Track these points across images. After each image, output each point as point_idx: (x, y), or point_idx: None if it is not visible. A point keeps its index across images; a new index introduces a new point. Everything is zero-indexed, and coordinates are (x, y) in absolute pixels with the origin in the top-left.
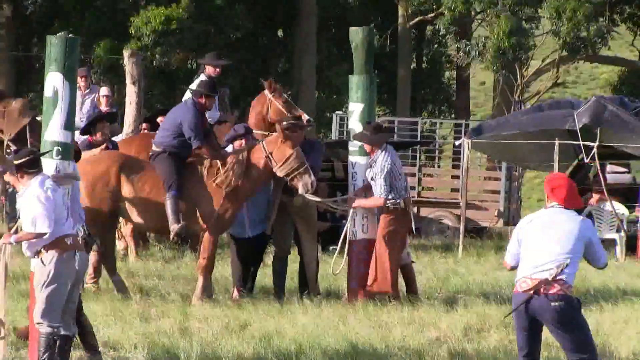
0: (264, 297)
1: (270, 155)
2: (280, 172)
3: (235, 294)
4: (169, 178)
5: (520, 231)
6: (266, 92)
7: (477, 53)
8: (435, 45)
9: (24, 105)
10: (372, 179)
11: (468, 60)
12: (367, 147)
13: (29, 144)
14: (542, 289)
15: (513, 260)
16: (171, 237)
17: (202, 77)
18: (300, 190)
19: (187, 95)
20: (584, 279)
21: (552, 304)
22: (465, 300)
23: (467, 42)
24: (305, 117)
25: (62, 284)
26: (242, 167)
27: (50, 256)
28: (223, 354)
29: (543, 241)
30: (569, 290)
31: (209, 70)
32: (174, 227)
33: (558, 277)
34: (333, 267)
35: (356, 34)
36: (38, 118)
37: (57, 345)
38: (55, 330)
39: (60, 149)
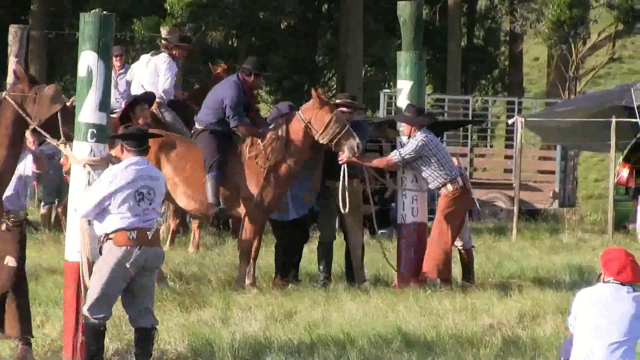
0: (310, 285)
1: (309, 124)
2: (322, 139)
3: (278, 279)
4: (210, 158)
5: (576, 306)
6: None
7: (536, 19)
8: (489, 20)
9: (56, 92)
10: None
11: (526, 26)
12: (406, 129)
13: (61, 134)
14: None
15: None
16: (210, 221)
17: (164, 55)
18: (347, 154)
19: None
20: None
21: None
22: (519, 285)
23: (522, 5)
24: None
25: (111, 277)
26: (283, 141)
27: (107, 247)
28: (267, 343)
29: (598, 324)
30: None
31: (178, 52)
32: (212, 211)
33: None
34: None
35: (404, 8)
36: (68, 103)
37: (137, 338)
38: (100, 322)
39: (94, 131)
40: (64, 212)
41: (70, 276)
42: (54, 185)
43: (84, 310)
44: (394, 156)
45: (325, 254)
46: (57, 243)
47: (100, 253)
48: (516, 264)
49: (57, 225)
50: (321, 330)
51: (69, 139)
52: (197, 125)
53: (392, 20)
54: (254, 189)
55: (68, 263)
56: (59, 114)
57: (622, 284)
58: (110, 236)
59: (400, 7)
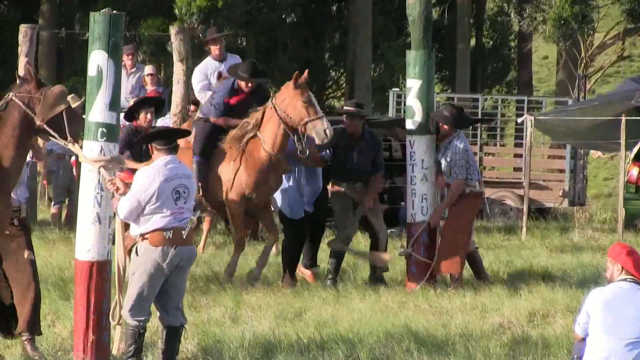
0: (319, 284)
1: (276, 105)
2: (291, 121)
3: (287, 278)
4: (197, 143)
5: (590, 304)
6: None
7: (542, 19)
8: (498, 19)
9: (61, 92)
10: (447, 162)
11: (533, 26)
12: (444, 129)
13: (67, 133)
14: None
15: (583, 332)
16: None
17: (209, 59)
18: (317, 141)
19: (195, 76)
20: None
21: None
22: (529, 284)
23: (530, 5)
24: None
25: (150, 278)
26: (255, 124)
27: (143, 248)
28: (277, 342)
29: (613, 322)
30: None
31: (213, 50)
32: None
33: None
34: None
35: (413, 7)
36: (74, 105)
37: (165, 337)
38: (141, 323)
39: (104, 130)
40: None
41: (81, 275)
42: (64, 184)
43: (124, 312)
44: (460, 177)
45: (337, 253)
46: (67, 242)
47: (136, 254)
48: (526, 262)
49: (67, 224)
50: (331, 329)
51: (76, 138)
52: (198, 114)
53: (401, 19)
54: (229, 173)
55: (78, 262)
56: (64, 114)
57: (638, 282)
58: (146, 236)
59: (409, 5)
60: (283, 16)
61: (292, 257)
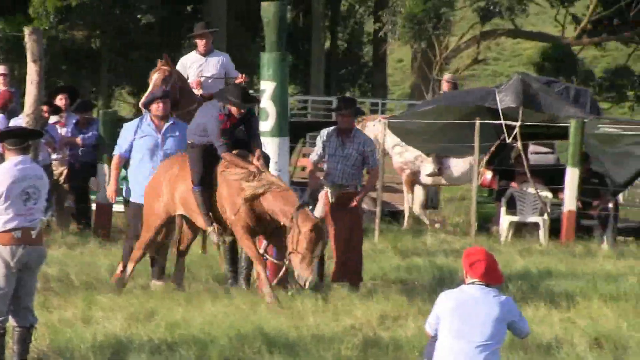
0: (170, 285)
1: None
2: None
3: (119, 272)
4: (194, 173)
5: (439, 307)
6: None
7: (396, 22)
8: (352, 22)
9: None
10: (359, 153)
11: (394, 34)
12: (348, 121)
13: None
14: None
15: (433, 330)
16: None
17: (193, 52)
18: (296, 276)
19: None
20: (506, 264)
21: None
22: (381, 287)
23: (383, 11)
24: None
25: (3, 279)
26: (263, 186)
27: None
28: (128, 343)
29: (462, 326)
30: None
31: (199, 45)
32: (208, 230)
33: None
34: None
35: (268, 8)
36: None
37: (16, 337)
38: (0, 324)
39: None
40: None
41: None
42: None
43: None
44: (376, 165)
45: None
46: None
47: None
48: (378, 265)
49: None
50: (182, 330)
51: None
52: (187, 140)
53: (255, 21)
54: (233, 208)
55: None
56: None
57: (488, 285)
58: None
59: (264, 7)
60: (138, 16)
61: (128, 252)
